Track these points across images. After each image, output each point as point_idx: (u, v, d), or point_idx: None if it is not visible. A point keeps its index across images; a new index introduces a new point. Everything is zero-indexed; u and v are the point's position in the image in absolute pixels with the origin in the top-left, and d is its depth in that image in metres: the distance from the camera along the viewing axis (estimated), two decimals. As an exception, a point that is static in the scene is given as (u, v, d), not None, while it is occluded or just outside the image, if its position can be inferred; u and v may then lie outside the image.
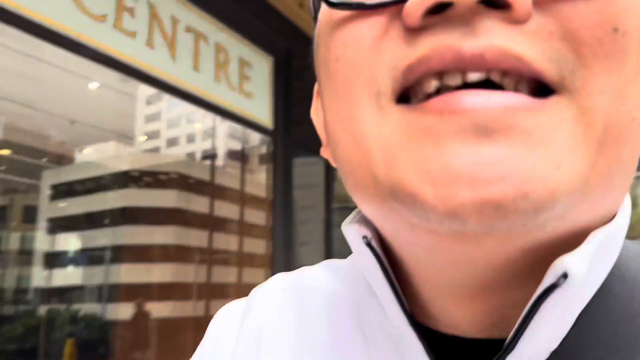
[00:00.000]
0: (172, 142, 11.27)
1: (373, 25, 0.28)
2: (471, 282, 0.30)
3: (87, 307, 9.73)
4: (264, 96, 5.01)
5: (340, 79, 0.29)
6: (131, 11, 3.74)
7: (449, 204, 0.24)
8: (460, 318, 0.32)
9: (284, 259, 4.30)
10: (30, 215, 9.99)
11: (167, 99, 9.22)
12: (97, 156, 10.01)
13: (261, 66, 5.05)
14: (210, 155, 8.05)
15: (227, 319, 0.49)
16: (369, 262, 0.32)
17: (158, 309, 8.10)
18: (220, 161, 8.01)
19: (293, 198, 4.63)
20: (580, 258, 0.26)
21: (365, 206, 0.30)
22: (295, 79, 5.30)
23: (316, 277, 0.45)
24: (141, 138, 10.33)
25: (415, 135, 0.26)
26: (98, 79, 6.89)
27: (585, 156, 0.25)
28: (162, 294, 7.99)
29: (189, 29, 4.27)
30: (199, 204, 7.42)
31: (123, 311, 9.43)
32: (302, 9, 5.47)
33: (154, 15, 3.98)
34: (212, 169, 7.75)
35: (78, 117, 8.15)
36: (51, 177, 10.18)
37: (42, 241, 10.02)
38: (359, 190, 0.29)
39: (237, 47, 4.79)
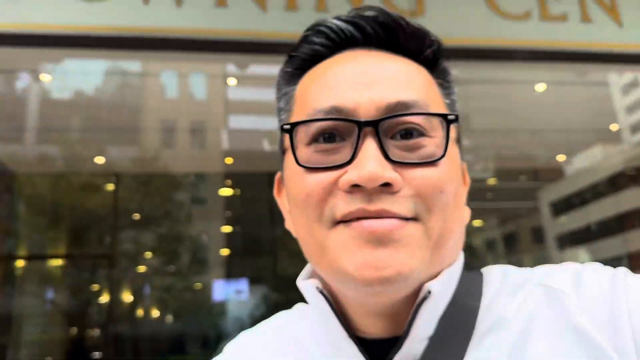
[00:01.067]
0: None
1: (323, 180, 0.55)
2: (380, 310, 0.57)
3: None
4: None
5: (307, 208, 0.56)
6: (553, -6, 3.43)
7: (365, 279, 0.52)
8: (375, 328, 0.59)
9: None
10: (537, 236, 10.38)
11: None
12: (586, 161, 9.45)
13: None
14: None
15: None
16: (322, 302, 0.59)
17: None
18: None
19: None
20: (437, 282, 0.55)
21: (322, 274, 0.59)
22: None
23: (275, 324, 0.74)
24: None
25: (348, 242, 0.53)
26: (543, 79, 6.53)
27: (426, 251, 0.54)
28: None
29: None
30: None
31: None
32: None
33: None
34: None
35: (535, 126, 7.89)
36: (546, 195, 10.36)
37: (554, 259, 10.13)
38: (317, 267, 0.59)
39: None
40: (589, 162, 9.27)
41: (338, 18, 0.62)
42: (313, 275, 0.63)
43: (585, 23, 3.43)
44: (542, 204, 10.45)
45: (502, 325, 0.56)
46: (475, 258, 10.12)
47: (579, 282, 0.55)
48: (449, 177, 0.56)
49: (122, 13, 3.02)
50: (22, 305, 7.43)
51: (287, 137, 0.58)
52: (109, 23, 2.98)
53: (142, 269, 8.85)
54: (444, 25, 3.40)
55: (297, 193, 0.57)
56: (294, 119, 0.61)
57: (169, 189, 8.53)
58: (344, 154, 0.54)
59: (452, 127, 0.57)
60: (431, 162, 0.54)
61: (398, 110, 0.55)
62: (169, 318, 9.27)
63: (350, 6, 3.31)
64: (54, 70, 5.53)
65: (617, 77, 7.81)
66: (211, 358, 0.72)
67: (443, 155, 0.55)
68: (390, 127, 0.55)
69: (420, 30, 0.62)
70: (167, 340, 8.93)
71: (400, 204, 0.52)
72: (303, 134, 0.57)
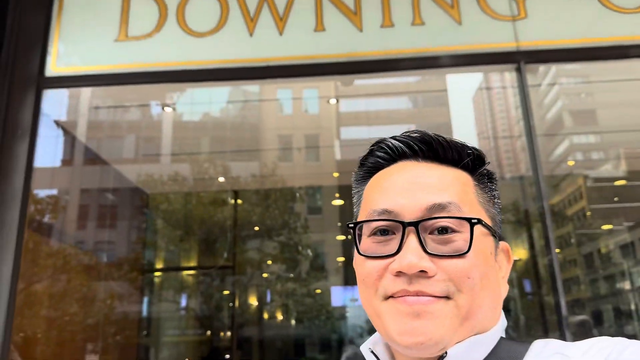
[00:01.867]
0: None
1: (377, 266, 0.72)
2: None
3: None
4: None
5: (367, 285, 0.74)
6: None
7: (405, 343, 0.68)
8: None
9: None
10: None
11: None
12: None
13: None
14: None
15: None
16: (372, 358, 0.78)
17: None
18: None
19: None
20: (455, 347, 0.69)
21: (379, 333, 0.77)
22: None
23: None
24: None
25: (394, 314, 0.70)
26: None
27: (455, 322, 0.69)
28: None
29: None
30: None
31: None
32: None
33: None
34: None
35: None
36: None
37: None
38: (376, 328, 0.76)
39: None
40: None
41: (394, 138, 0.81)
42: (377, 341, 0.81)
43: None
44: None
45: None
46: (608, 264, 9.34)
47: (588, 351, 0.67)
48: (475, 265, 0.71)
49: (230, 46, 3.32)
50: (160, 310, 8.23)
51: (352, 231, 0.78)
52: (220, 57, 3.30)
53: (265, 275, 9.37)
54: (548, 26, 3.29)
55: (359, 273, 0.76)
56: (360, 216, 0.81)
57: (286, 201, 8.97)
58: (393, 246, 0.72)
59: (479, 226, 0.73)
60: (458, 255, 0.70)
61: (434, 211, 0.71)
62: (292, 322, 9.70)
63: (444, 15, 3.32)
64: (181, 98, 6.12)
65: None
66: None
67: (468, 251, 0.70)
68: (429, 225, 0.71)
69: (458, 144, 0.79)
70: (290, 343, 9.35)
71: (434, 286, 0.69)
72: (366, 228, 0.76)
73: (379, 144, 0.82)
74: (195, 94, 6.45)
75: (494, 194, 0.81)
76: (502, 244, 0.80)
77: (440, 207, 0.72)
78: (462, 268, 0.69)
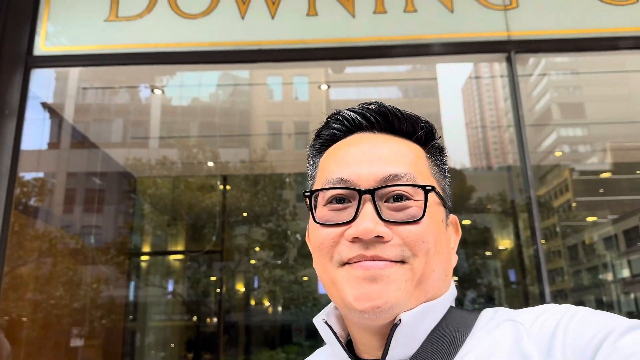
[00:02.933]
0: None
1: (333, 232, 0.74)
2: (375, 330, 0.74)
3: None
4: None
5: (322, 253, 0.75)
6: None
7: (361, 308, 0.69)
8: (372, 348, 0.77)
9: None
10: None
11: None
12: None
13: None
14: None
15: None
16: (328, 332, 0.78)
17: None
18: None
19: None
20: (409, 313, 0.71)
21: (334, 302, 0.78)
22: None
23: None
24: None
25: (350, 279, 0.71)
26: None
27: (410, 286, 0.71)
28: None
29: None
30: None
31: None
32: None
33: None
34: None
35: None
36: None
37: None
38: (330, 297, 0.77)
39: None
40: None
41: (350, 109, 0.82)
42: (330, 312, 0.82)
43: (701, 3, 3.15)
44: (670, 197, 9.51)
45: (473, 351, 0.70)
46: (592, 255, 9.47)
47: (538, 317, 0.69)
48: (429, 230, 0.73)
49: (221, 29, 3.30)
50: (147, 295, 8.23)
51: (307, 200, 0.79)
52: (211, 39, 3.27)
53: (252, 262, 9.39)
54: (540, 17, 3.30)
55: (314, 241, 0.77)
56: (316, 186, 0.81)
57: (275, 188, 8.97)
58: (349, 213, 0.73)
59: (433, 194, 0.75)
60: (413, 222, 0.72)
61: (390, 181, 0.73)
62: (279, 308, 9.75)
63: (436, 3, 3.33)
64: (170, 81, 6.07)
65: None
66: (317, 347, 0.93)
67: (422, 217, 0.72)
68: (385, 193, 0.73)
69: (412, 117, 0.81)
70: (277, 329, 9.41)
71: (390, 251, 0.71)
72: (321, 197, 0.77)
73: (335, 115, 0.83)
74: (184, 78, 6.40)
75: (444, 167, 0.83)
76: (451, 216, 0.83)
77: (396, 177, 0.73)
78: (416, 233, 0.71)
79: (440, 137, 0.84)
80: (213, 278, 8.84)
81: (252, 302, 9.43)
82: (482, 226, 8.12)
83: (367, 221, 0.70)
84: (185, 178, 8.52)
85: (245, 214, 9.01)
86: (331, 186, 0.75)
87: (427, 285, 0.73)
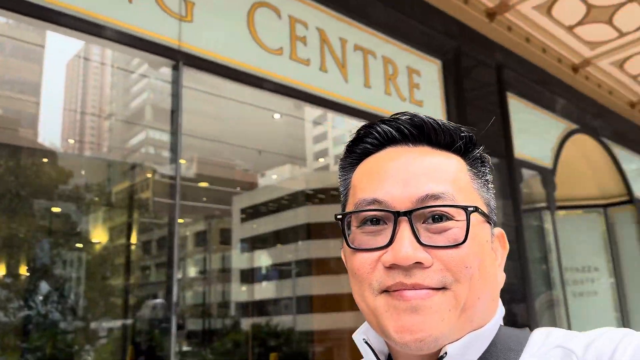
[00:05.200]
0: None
1: (369, 258, 0.69)
2: (417, 359, 0.71)
3: (282, 320, 10.47)
4: (436, 102, 4.90)
5: (358, 279, 0.71)
6: (303, 40, 3.93)
7: (403, 340, 0.65)
8: None
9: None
10: (225, 237, 11.19)
11: (332, 117, 9.51)
12: (276, 179, 10.68)
13: (429, 71, 4.95)
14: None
15: None
16: (368, 351, 0.74)
17: (350, 319, 8.34)
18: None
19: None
20: (455, 345, 0.67)
21: (373, 329, 0.73)
22: (465, 78, 5.09)
23: None
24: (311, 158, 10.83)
25: (390, 309, 0.67)
26: (277, 108, 7.29)
27: (454, 315, 0.66)
28: (354, 304, 8.24)
29: (357, 47, 4.34)
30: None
31: (317, 322, 9.93)
32: (467, 4, 5.24)
33: (324, 40, 4.12)
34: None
35: (262, 146, 8.76)
36: (239, 201, 11.23)
37: (237, 260, 11.05)
38: (369, 324, 0.73)
39: (404, 56, 4.75)
40: (279, 179, 10.53)
41: (382, 121, 0.76)
42: (369, 328, 0.76)
43: (323, 72, 4.04)
44: (235, 209, 11.30)
45: None
46: (163, 252, 10.24)
47: (590, 345, 0.65)
48: (473, 254, 0.67)
49: None
50: None
51: (340, 223, 0.74)
52: None
53: None
54: (209, 36, 3.51)
55: (350, 267, 0.73)
56: (349, 205, 0.76)
57: None
58: (385, 237, 0.68)
59: (476, 214, 0.70)
60: (455, 246, 0.67)
61: (427, 201, 0.68)
62: None
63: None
64: None
65: (311, 112, 9.13)
66: None
67: (464, 241, 0.67)
68: (422, 214, 0.68)
69: (451, 127, 0.75)
70: None
71: (431, 278, 0.65)
72: (354, 219, 0.72)
73: (368, 129, 0.77)
74: None
75: (488, 179, 0.78)
76: (496, 230, 0.78)
77: (434, 197, 0.68)
78: (459, 258, 0.66)
79: (482, 146, 0.79)
80: None
81: None
82: (74, 216, 7.67)
83: (406, 247, 0.65)
84: None
85: None
86: (364, 208, 0.70)
87: (472, 313, 0.68)
